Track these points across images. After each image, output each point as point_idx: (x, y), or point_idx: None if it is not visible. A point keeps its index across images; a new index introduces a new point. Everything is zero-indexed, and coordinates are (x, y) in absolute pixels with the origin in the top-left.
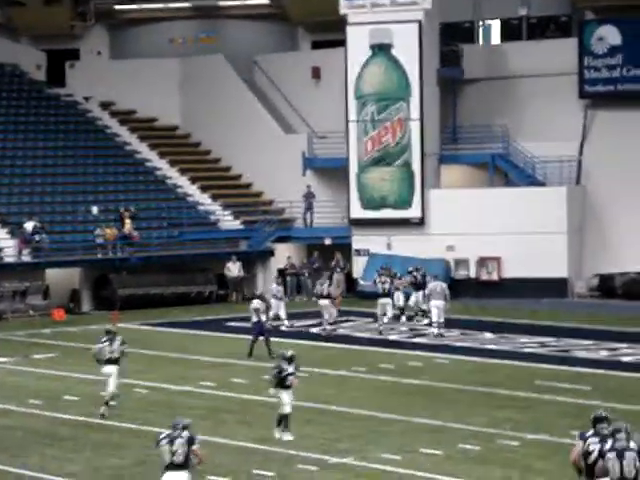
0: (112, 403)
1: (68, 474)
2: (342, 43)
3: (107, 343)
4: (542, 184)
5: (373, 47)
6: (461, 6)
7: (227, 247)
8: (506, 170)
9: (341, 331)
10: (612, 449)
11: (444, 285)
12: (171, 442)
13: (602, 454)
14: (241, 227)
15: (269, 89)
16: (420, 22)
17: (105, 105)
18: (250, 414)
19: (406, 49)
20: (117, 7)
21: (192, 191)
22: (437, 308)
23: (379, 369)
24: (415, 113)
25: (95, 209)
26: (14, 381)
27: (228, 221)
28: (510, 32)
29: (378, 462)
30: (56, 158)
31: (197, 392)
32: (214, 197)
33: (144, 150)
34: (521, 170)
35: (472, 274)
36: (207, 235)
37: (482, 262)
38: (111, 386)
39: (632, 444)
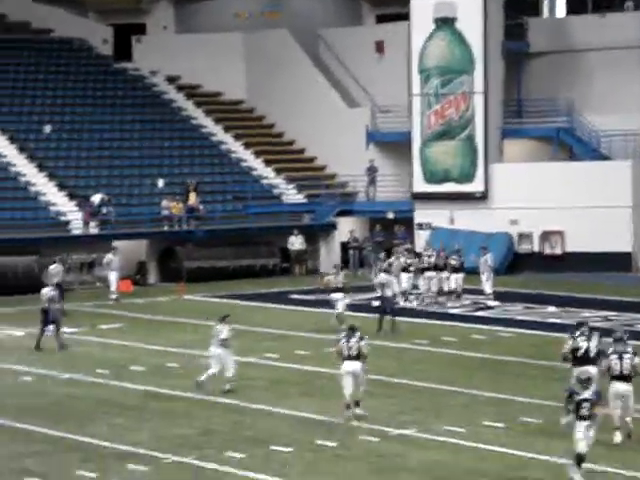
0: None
1: (134, 443)
2: (406, 17)
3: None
4: (607, 158)
5: (437, 21)
6: None
7: (290, 221)
8: (570, 144)
9: (402, 304)
10: (614, 352)
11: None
12: (347, 341)
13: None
14: (304, 201)
15: (333, 63)
16: None
17: (171, 79)
18: (313, 385)
19: (470, 22)
20: None
21: (256, 165)
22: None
23: (442, 342)
24: (479, 86)
25: (161, 182)
26: (81, 351)
27: (291, 195)
28: (575, 5)
29: (440, 434)
30: (123, 132)
31: (261, 364)
32: (278, 171)
33: (209, 124)
34: (585, 144)
35: (535, 248)
36: (271, 209)
37: (545, 236)
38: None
39: (629, 348)
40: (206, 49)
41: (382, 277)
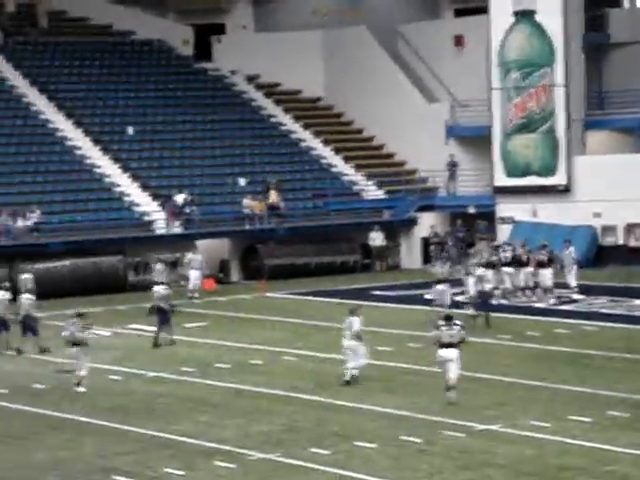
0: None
1: (220, 440)
2: (485, 10)
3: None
4: None
5: (516, 13)
6: None
7: (371, 217)
8: None
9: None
10: None
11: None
12: (450, 328)
13: None
14: (384, 197)
15: (412, 59)
16: None
17: (250, 78)
18: (396, 381)
19: (550, 15)
20: None
21: (336, 162)
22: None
23: (525, 337)
24: (560, 79)
25: (242, 181)
26: (167, 349)
27: (372, 191)
28: None
29: (526, 429)
30: (204, 132)
31: (342, 359)
32: (357, 167)
33: (289, 122)
34: None
35: (620, 241)
36: (351, 205)
37: (630, 228)
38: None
39: None
40: (285, 47)
41: (480, 271)
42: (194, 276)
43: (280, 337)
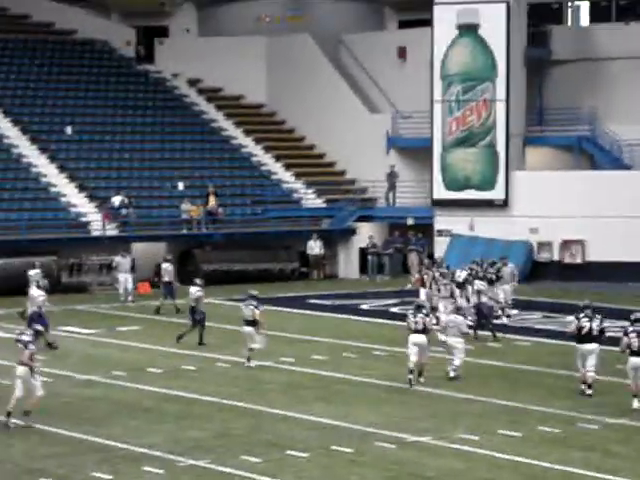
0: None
1: (150, 445)
2: (429, 23)
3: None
4: (628, 167)
5: (460, 27)
6: None
7: (309, 225)
8: (592, 153)
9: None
10: (633, 331)
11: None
12: (414, 316)
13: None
14: (324, 205)
15: (355, 68)
16: (508, 2)
17: (193, 82)
18: (329, 390)
19: (493, 29)
20: None
21: (276, 169)
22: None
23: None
24: (501, 94)
25: (181, 185)
26: (99, 353)
27: (311, 199)
28: (599, 13)
29: (456, 442)
30: (144, 134)
31: (277, 367)
32: (297, 175)
33: (230, 127)
34: (607, 153)
35: (555, 257)
36: (290, 213)
37: (566, 245)
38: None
39: None
40: (228, 52)
41: (478, 284)
42: (124, 279)
43: (214, 343)
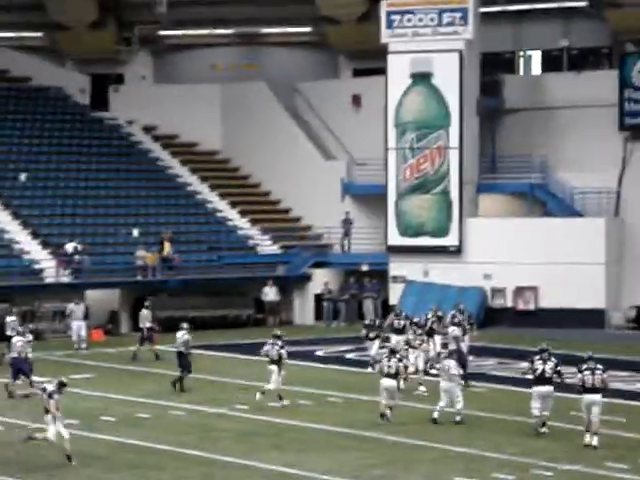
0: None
1: None
2: (383, 71)
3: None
4: (580, 215)
5: (414, 76)
6: (502, 36)
7: (265, 271)
8: (544, 200)
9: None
10: (587, 368)
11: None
12: (388, 360)
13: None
14: (279, 252)
15: (310, 116)
16: (461, 52)
17: (148, 129)
18: (283, 438)
19: (446, 78)
20: (161, 33)
21: (231, 215)
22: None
23: (414, 396)
24: (454, 142)
25: (136, 232)
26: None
27: (266, 246)
28: (551, 63)
29: None
30: (98, 181)
31: (231, 415)
32: (253, 221)
33: (185, 174)
34: (559, 200)
35: (509, 303)
36: (245, 259)
37: (519, 292)
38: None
39: (599, 365)
40: (183, 100)
41: (456, 330)
42: (77, 327)
43: (168, 391)
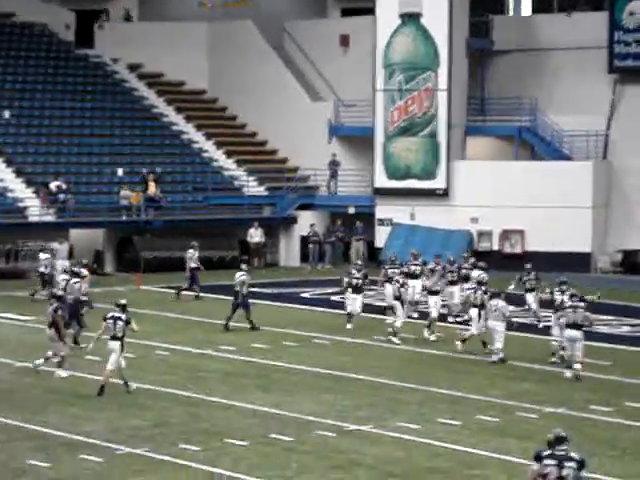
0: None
1: (88, 433)
2: (371, 11)
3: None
4: (568, 158)
5: (402, 16)
6: None
7: (251, 213)
8: (533, 143)
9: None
10: (570, 306)
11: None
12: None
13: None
14: (265, 193)
15: (297, 56)
16: None
17: (133, 67)
18: (269, 379)
19: (435, 19)
20: None
21: (217, 156)
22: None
23: (399, 338)
24: (443, 83)
25: (120, 171)
26: (35, 339)
27: (252, 187)
28: (541, 4)
29: (395, 430)
30: (83, 119)
31: (217, 356)
32: (239, 162)
33: (171, 113)
34: (548, 143)
35: (495, 246)
36: (231, 200)
37: (505, 235)
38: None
39: (581, 303)
40: (169, 38)
41: (482, 274)
42: (61, 266)
43: (153, 331)
